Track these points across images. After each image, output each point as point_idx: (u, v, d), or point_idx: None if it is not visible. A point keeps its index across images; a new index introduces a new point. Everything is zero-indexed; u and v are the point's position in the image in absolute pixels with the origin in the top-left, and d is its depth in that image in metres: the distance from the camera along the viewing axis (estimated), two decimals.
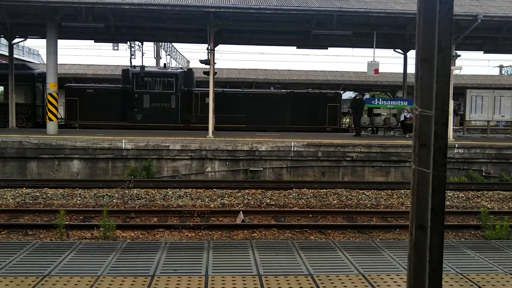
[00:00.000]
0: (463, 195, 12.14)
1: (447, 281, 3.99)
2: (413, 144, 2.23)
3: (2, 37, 22.59)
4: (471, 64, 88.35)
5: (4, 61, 28.04)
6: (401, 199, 11.67)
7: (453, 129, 19.84)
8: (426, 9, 2.11)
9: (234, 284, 3.93)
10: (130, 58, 28.13)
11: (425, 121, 2.16)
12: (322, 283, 3.97)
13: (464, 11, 16.15)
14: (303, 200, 11.40)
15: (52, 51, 16.88)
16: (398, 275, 4.18)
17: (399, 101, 21.14)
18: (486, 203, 11.51)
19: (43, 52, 38.93)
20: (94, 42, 21.92)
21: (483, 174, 15.36)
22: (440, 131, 2.13)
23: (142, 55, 29.54)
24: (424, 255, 2.19)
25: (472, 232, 8.89)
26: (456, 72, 19.37)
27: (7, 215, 9.39)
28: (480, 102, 19.48)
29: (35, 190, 11.53)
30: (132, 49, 28.25)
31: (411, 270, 2.25)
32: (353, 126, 22.06)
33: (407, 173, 14.94)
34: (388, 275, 4.17)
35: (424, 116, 2.16)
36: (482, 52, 22.29)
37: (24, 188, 11.74)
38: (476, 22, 15.90)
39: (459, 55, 17.56)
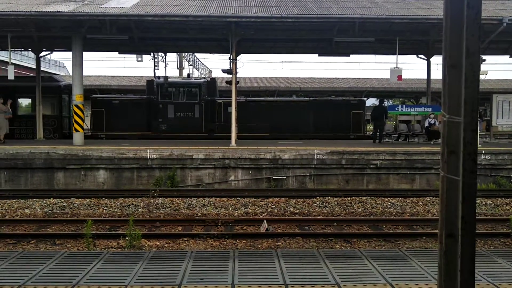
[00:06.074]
0: (491, 202, 11.88)
1: None
2: (441, 151, 2.20)
3: (29, 50, 23.14)
4: (497, 68, 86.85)
5: (31, 74, 28.71)
6: (427, 207, 11.48)
7: (479, 135, 19.47)
8: (453, 15, 2.09)
9: None
10: (154, 69, 28.49)
11: (454, 128, 2.13)
12: None
13: (489, 15, 15.89)
14: (327, 208, 11.32)
15: (78, 63, 17.20)
16: (427, 284, 4.11)
17: (423, 108, 20.87)
18: None
19: (69, 64, 39.73)
20: (119, 53, 22.28)
21: None
22: (469, 137, 2.10)
23: (166, 66, 29.92)
24: (455, 264, 2.15)
25: (502, 240, 8.68)
26: (481, 77, 19.06)
27: (35, 225, 9.58)
28: (507, 107, 19.08)
29: (62, 200, 11.71)
30: (156, 60, 28.61)
31: (442, 280, 2.21)
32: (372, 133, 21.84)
33: (432, 180, 14.71)
34: (417, 284, 4.10)
35: (453, 122, 2.13)
36: (509, 56, 21.90)
37: (52, 198, 11.94)
38: (502, 26, 15.65)
39: (484, 60, 17.31)
